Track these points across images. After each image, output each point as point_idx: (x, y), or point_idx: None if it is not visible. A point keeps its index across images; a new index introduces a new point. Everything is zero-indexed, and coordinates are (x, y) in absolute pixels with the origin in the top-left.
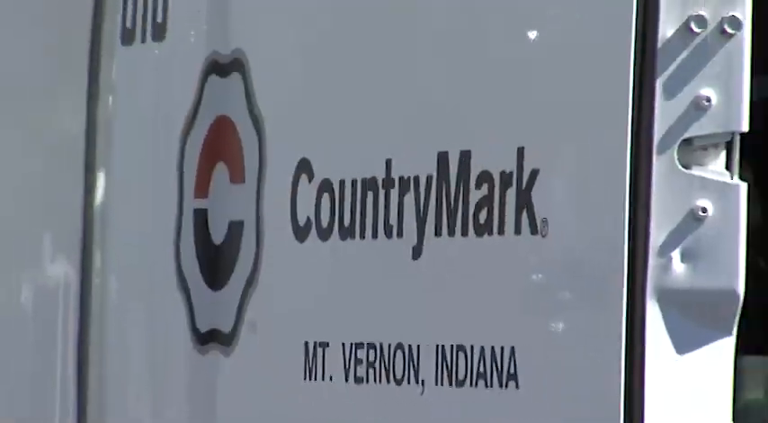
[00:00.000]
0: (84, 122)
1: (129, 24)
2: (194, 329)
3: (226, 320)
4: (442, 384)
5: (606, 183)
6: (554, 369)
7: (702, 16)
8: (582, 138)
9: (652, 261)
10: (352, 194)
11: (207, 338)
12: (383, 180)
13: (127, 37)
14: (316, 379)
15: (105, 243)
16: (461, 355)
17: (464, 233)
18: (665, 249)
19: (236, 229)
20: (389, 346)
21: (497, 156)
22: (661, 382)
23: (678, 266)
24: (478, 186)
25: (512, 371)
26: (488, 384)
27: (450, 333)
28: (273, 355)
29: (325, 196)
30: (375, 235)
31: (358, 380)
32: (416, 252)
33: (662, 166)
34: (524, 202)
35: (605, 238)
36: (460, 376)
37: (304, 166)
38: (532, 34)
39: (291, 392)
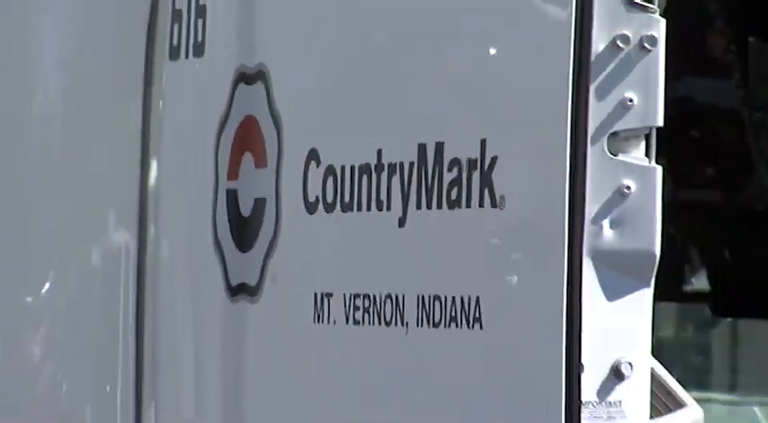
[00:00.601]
0: (141, 121)
1: (175, 43)
2: (227, 284)
3: (252, 276)
4: (422, 326)
5: (550, 167)
6: (509, 314)
7: (626, 35)
8: (531, 131)
9: (587, 228)
10: (351, 177)
11: (237, 290)
12: (375, 165)
13: (173, 54)
14: (323, 322)
15: (157, 217)
16: (437, 302)
17: (439, 207)
18: (598, 219)
19: (260, 204)
20: (380, 295)
21: (465, 146)
22: (594, 324)
23: (608, 232)
24: (450, 170)
25: (477, 315)
26: (458, 325)
27: (428, 285)
28: (289, 304)
29: (330, 178)
30: (369, 208)
31: (356, 322)
32: (401, 222)
33: (595, 153)
34: (486, 182)
35: (550, 211)
36: (436, 319)
37: (313, 155)
38: (493, 52)
39: (304, 333)
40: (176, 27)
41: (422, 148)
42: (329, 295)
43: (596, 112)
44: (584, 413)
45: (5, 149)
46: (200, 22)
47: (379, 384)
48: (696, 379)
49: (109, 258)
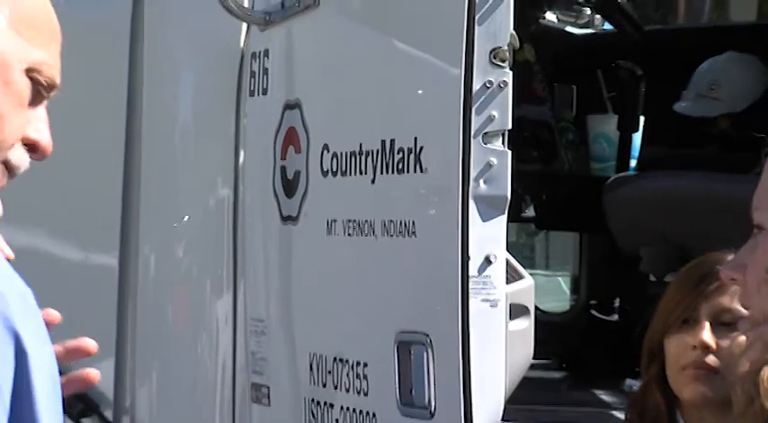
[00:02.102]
0: (234, 132)
1: (252, 88)
2: (281, 215)
3: (294, 211)
4: (384, 236)
5: (451, 151)
6: (431, 229)
7: (492, 80)
8: (441, 132)
9: (471, 184)
10: (345, 158)
11: (286, 219)
12: (358, 151)
13: (251, 94)
14: (331, 235)
15: (244, 180)
16: (392, 223)
17: (392, 173)
18: (477, 178)
19: (297, 173)
20: (361, 220)
21: (406, 141)
22: (475, 234)
23: (482, 185)
24: (398, 153)
25: (413, 230)
26: (403, 236)
27: (387, 214)
28: (313, 225)
29: (335, 159)
30: (355, 174)
31: (349, 235)
32: (373, 181)
33: (475, 143)
34: (417, 159)
35: (451, 174)
36: (391, 233)
37: (326, 147)
38: (420, 92)
39: (321, 241)
40: (252, 80)
41: (383, 142)
42: (334, 221)
43: (476, 122)
44: (471, 282)
45: (158, 145)
46: (265, 76)
47: (360, 268)
48: (528, 262)
49: (218, 204)
